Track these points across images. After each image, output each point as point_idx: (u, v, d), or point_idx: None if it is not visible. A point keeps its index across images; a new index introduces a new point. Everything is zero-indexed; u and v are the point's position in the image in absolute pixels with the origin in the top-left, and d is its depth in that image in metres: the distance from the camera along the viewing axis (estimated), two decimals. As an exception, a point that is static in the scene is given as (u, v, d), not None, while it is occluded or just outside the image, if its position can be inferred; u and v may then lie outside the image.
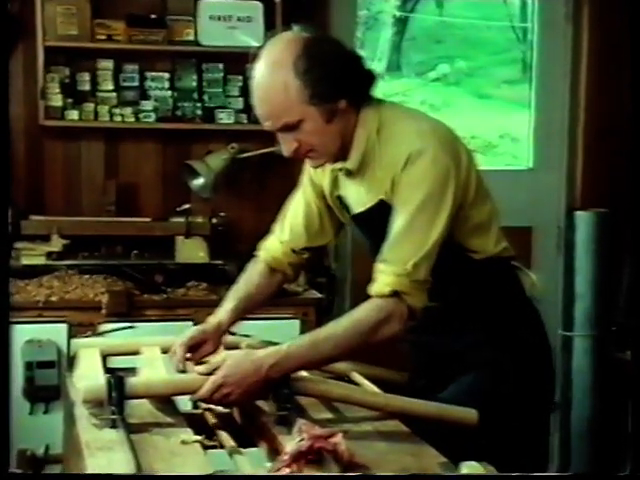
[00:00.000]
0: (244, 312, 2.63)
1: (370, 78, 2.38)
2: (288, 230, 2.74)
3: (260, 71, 2.30)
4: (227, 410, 2.39)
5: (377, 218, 2.35)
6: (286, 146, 2.37)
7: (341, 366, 2.53)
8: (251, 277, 2.68)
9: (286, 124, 2.31)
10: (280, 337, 3.70)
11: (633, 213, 2.08)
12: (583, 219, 4.60)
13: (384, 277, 2.24)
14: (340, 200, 2.54)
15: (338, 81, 2.28)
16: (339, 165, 2.42)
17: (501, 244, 2.44)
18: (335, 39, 2.42)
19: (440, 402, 2.27)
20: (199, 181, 4.40)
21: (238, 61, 4.47)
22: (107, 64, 4.38)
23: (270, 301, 2.70)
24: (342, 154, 2.38)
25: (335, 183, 2.53)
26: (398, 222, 2.26)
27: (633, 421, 1.95)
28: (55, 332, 3.84)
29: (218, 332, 2.57)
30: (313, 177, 2.62)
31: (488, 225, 2.42)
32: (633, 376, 2.02)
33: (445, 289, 2.37)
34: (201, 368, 2.29)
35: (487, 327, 2.42)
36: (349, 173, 2.41)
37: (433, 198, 2.25)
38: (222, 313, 2.62)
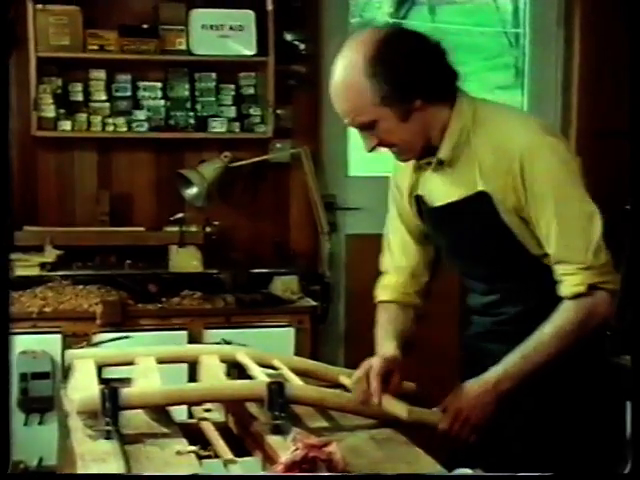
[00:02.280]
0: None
1: (452, 74, 2.33)
2: (399, 252, 2.64)
3: (336, 71, 2.30)
4: (222, 419, 2.38)
5: (472, 209, 2.31)
6: (366, 143, 2.36)
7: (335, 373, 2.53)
8: (392, 320, 2.51)
9: (362, 123, 2.31)
10: (275, 345, 3.74)
11: (632, 216, 2.08)
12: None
13: (571, 278, 2.22)
14: (418, 201, 2.48)
15: (411, 82, 2.24)
16: (426, 159, 2.37)
17: None
18: (415, 36, 2.32)
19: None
20: (192, 190, 4.39)
21: (230, 70, 4.48)
22: (99, 74, 4.38)
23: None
24: (429, 149, 2.34)
25: (416, 183, 2.48)
26: (553, 219, 2.23)
27: (633, 421, 1.95)
28: (49, 343, 3.84)
29: (396, 362, 2.37)
30: (398, 183, 2.58)
31: None
32: (633, 376, 2.02)
33: (525, 294, 2.33)
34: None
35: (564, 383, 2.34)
36: (440, 164, 2.35)
37: (570, 185, 2.25)
38: (390, 347, 2.40)
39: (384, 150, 2.37)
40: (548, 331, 2.23)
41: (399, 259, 2.62)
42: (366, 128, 2.31)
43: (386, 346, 2.39)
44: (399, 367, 2.33)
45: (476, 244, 2.35)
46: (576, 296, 2.22)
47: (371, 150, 2.36)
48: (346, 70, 2.26)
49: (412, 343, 2.49)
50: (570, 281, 2.23)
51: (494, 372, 2.24)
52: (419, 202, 2.47)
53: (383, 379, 2.26)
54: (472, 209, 2.31)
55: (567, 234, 2.23)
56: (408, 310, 2.54)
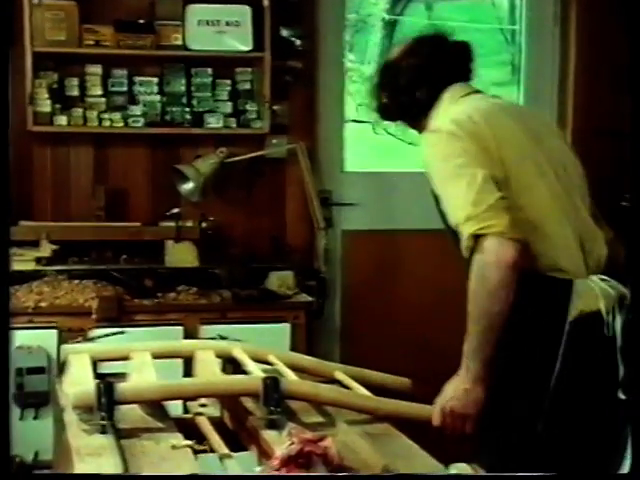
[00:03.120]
0: None
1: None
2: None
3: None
4: (217, 414, 2.39)
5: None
6: None
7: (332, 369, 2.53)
8: None
9: None
10: (271, 341, 3.74)
11: (632, 220, 2.08)
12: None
13: (463, 238, 2.25)
14: None
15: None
16: None
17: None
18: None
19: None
20: (188, 185, 4.39)
21: (226, 65, 4.48)
22: (95, 69, 4.38)
23: None
24: None
25: None
26: (441, 191, 2.37)
27: (633, 421, 1.95)
28: (45, 338, 3.84)
29: None
30: None
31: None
32: (633, 377, 2.02)
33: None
34: None
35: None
36: None
37: (442, 167, 2.37)
38: None
39: None
40: (471, 301, 2.24)
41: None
42: None
43: None
44: None
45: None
46: (469, 252, 2.24)
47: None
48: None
49: None
50: (462, 243, 2.26)
51: (464, 366, 2.29)
52: None
53: None
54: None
55: (451, 203, 2.31)
56: None
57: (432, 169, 2.39)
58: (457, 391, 2.28)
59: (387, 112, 2.70)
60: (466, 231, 2.24)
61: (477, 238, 2.22)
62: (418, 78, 2.60)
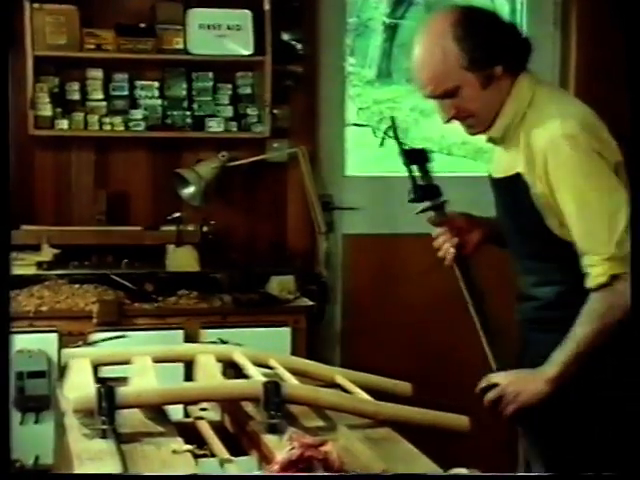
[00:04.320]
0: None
1: (526, 47, 2.45)
2: None
3: (420, 41, 2.39)
4: (218, 418, 2.39)
5: (510, 188, 2.42)
6: (445, 112, 2.44)
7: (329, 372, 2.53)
8: None
9: (445, 90, 2.38)
10: (271, 345, 3.74)
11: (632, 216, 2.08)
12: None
13: (594, 269, 2.28)
14: (489, 176, 2.58)
15: (494, 47, 2.36)
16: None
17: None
18: (491, 11, 2.50)
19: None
20: (189, 189, 4.39)
21: (228, 69, 4.48)
22: (96, 73, 4.38)
23: None
24: (494, 122, 2.44)
25: (493, 159, 2.59)
26: (574, 212, 2.30)
27: (633, 420, 1.96)
28: (46, 342, 3.84)
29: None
30: None
31: None
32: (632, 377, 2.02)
33: (559, 276, 2.39)
34: None
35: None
36: (492, 141, 2.48)
37: (591, 178, 2.29)
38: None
39: (457, 123, 2.47)
40: (580, 327, 2.30)
41: None
42: (447, 96, 2.39)
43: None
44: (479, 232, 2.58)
45: (515, 222, 2.46)
46: (599, 287, 2.28)
47: (447, 121, 2.45)
48: (432, 38, 2.36)
49: None
50: (593, 272, 2.29)
51: (549, 367, 2.33)
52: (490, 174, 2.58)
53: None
54: (511, 188, 2.42)
55: (589, 226, 2.29)
56: None
57: (568, 175, 2.30)
58: (532, 385, 2.34)
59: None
60: (607, 269, 2.27)
61: (614, 278, 2.27)
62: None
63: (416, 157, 2.61)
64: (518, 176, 2.38)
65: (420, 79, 2.40)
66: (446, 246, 2.58)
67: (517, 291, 2.56)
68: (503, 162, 2.47)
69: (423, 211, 2.60)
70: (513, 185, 2.40)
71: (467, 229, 2.63)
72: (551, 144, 2.30)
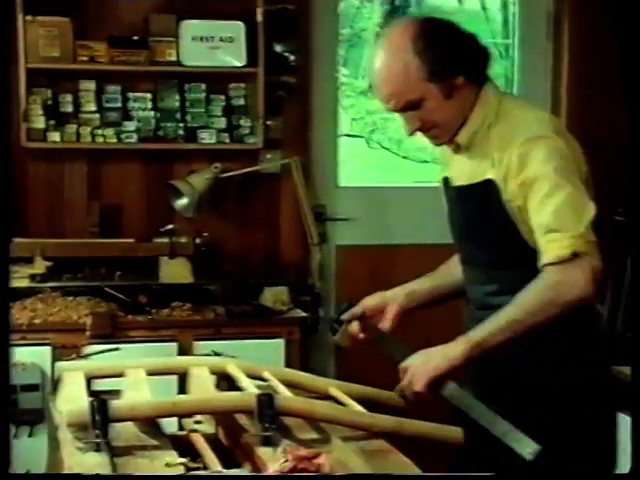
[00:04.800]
0: (441, 287, 2.65)
1: (486, 56, 2.46)
2: None
3: (381, 55, 2.38)
4: (212, 431, 2.38)
5: (478, 195, 2.40)
6: (409, 125, 2.43)
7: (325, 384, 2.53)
8: (451, 260, 2.67)
9: (408, 103, 2.37)
10: (265, 356, 3.74)
11: (632, 225, 2.08)
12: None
13: (559, 242, 2.22)
14: (445, 182, 2.55)
15: (455, 58, 2.36)
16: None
17: None
18: (450, 21, 2.47)
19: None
20: (182, 201, 4.39)
21: (220, 81, 4.48)
22: (89, 85, 4.38)
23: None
24: (458, 130, 2.43)
25: (445, 164, 2.58)
26: (551, 196, 2.26)
27: (633, 421, 1.95)
28: (39, 355, 3.83)
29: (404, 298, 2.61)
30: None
31: None
32: (632, 377, 2.02)
33: (523, 284, 2.30)
34: None
35: (553, 346, 2.36)
36: (458, 148, 2.46)
37: (564, 177, 2.27)
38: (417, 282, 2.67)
39: (420, 135, 2.46)
40: (527, 299, 2.23)
41: None
42: (410, 109, 2.38)
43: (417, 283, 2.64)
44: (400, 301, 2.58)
45: (480, 230, 2.42)
46: (559, 261, 2.21)
47: (411, 134, 2.44)
48: (392, 52, 2.35)
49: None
50: (556, 245, 2.22)
51: (475, 331, 2.26)
52: (446, 183, 2.56)
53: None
54: (479, 195, 2.39)
55: (560, 208, 2.25)
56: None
57: (543, 169, 2.28)
58: (438, 352, 2.27)
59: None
60: (572, 244, 2.21)
61: (575, 256, 2.21)
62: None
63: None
64: (489, 182, 2.36)
65: (382, 93, 2.39)
66: (360, 336, 2.60)
67: (470, 299, 2.53)
68: (466, 170, 2.44)
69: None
70: (482, 192, 2.38)
71: (379, 310, 2.62)
72: (529, 144, 2.30)
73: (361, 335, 2.59)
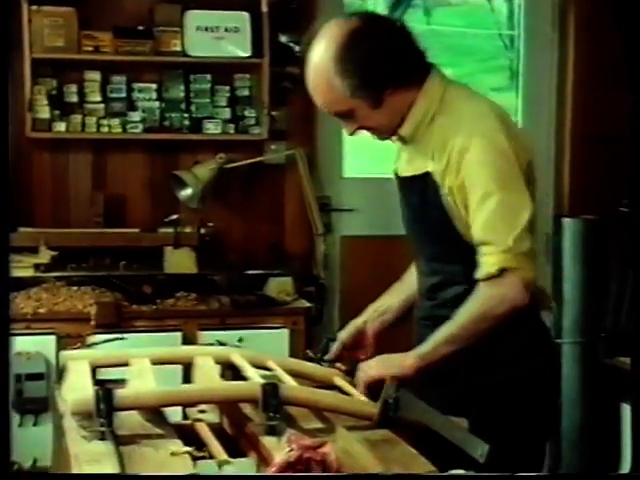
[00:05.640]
0: (411, 298, 2.69)
1: (420, 54, 2.41)
2: None
3: (309, 67, 2.41)
4: (217, 420, 2.39)
5: (418, 187, 2.41)
6: (347, 128, 2.46)
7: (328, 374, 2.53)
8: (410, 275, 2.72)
9: (338, 113, 2.40)
10: (270, 346, 3.74)
11: (633, 221, 2.08)
12: (570, 226, 4.60)
13: (488, 258, 2.28)
14: (395, 173, 2.56)
15: (379, 74, 2.34)
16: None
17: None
18: (381, 23, 2.43)
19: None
20: (187, 191, 4.40)
21: (225, 71, 4.48)
22: (94, 75, 4.38)
23: None
24: (403, 122, 2.43)
25: (397, 155, 2.58)
26: (480, 205, 2.29)
27: (633, 421, 1.96)
28: (44, 344, 3.84)
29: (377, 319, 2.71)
30: None
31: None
32: (632, 377, 2.02)
33: (463, 278, 2.37)
34: None
35: (495, 334, 2.38)
36: (402, 140, 2.46)
37: (505, 174, 2.29)
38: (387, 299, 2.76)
39: (365, 132, 2.47)
40: (462, 315, 2.30)
41: None
42: (344, 117, 2.41)
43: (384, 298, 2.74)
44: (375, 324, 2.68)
45: (422, 222, 2.45)
46: (489, 277, 2.27)
47: (352, 134, 2.46)
48: (316, 69, 2.38)
49: None
50: (485, 261, 2.28)
51: (423, 345, 2.34)
52: (396, 174, 2.57)
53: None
54: (419, 187, 2.41)
55: (490, 217, 2.28)
56: None
57: (479, 171, 2.29)
58: (388, 358, 2.37)
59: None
60: (499, 261, 2.26)
61: (503, 271, 2.26)
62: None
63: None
64: (427, 175, 2.37)
65: (315, 100, 2.43)
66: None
67: (418, 289, 2.57)
68: (412, 161, 2.45)
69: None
70: (422, 184, 2.39)
71: (356, 340, 2.70)
72: (467, 142, 2.29)
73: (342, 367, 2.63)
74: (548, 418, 2.49)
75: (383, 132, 2.44)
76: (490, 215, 2.28)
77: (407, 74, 2.37)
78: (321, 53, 2.36)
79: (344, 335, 2.68)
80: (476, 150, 2.29)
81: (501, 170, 2.29)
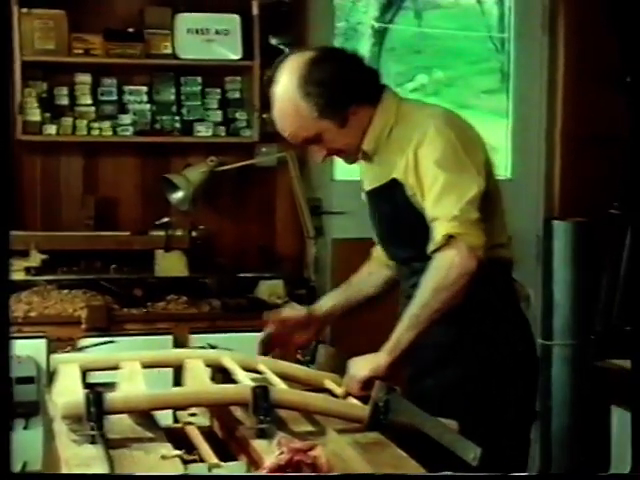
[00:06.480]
0: (352, 300, 2.87)
1: (375, 75, 2.59)
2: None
3: (274, 97, 2.50)
4: (207, 424, 2.38)
5: (387, 195, 2.53)
6: (316, 155, 2.58)
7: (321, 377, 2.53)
8: (360, 271, 2.91)
9: (306, 139, 2.51)
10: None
11: (633, 220, 2.09)
12: (561, 228, 4.61)
13: (436, 230, 2.35)
14: (364, 191, 2.70)
15: (343, 92, 2.48)
16: None
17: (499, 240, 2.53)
18: (336, 50, 2.66)
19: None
20: (178, 194, 4.39)
21: (216, 74, 4.49)
22: (85, 78, 4.38)
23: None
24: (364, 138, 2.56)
25: (362, 171, 2.70)
26: (432, 187, 2.39)
27: (633, 421, 1.96)
28: (34, 348, 3.82)
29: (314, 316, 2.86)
30: None
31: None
32: (632, 376, 2.03)
33: None
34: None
35: (477, 323, 2.49)
36: (365, 156, 2.57)
37: (450, 159, 2.40)
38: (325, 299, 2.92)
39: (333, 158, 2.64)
40: (419, 293, 2.36)
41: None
42: (312, 142, 2.52)
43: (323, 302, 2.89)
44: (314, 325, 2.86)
45: (393, 228, 2.58)
46: (437, 249, 2.35)
47: (322, 160, 2.60)
48: (282, 96, 2.48)
49: (375, 293, 2.85)
50: (435, 233, 2.36)
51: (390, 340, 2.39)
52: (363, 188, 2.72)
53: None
54: (388, 195, 2.53)
55: (441, 196, 2.38)
56: (383, 269, 2.82)
57: (431, 157, 2.40)
58: (367, 361, 2.40)
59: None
60: (446, 229, 2.33)
61: (450, 239, 2.33)
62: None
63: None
64: (394, 181, 2.49)
65: (282, 131, 2.53)
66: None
67: (404, 294, 2.62)
68: (376, 173, 2.58)
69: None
70: (390, 191, 2.51)
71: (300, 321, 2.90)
72: (421, 139, 2.42)
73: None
74: (530, 401, 2.54)
75: (350, 152, 2.56)
76: (437, 194, 2.37)
77: (366, 92, 2.52)
78: (285, 82, 2.47)
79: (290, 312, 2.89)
80: (427, 144, 2.42)
81: (446, 156, 2.40)
